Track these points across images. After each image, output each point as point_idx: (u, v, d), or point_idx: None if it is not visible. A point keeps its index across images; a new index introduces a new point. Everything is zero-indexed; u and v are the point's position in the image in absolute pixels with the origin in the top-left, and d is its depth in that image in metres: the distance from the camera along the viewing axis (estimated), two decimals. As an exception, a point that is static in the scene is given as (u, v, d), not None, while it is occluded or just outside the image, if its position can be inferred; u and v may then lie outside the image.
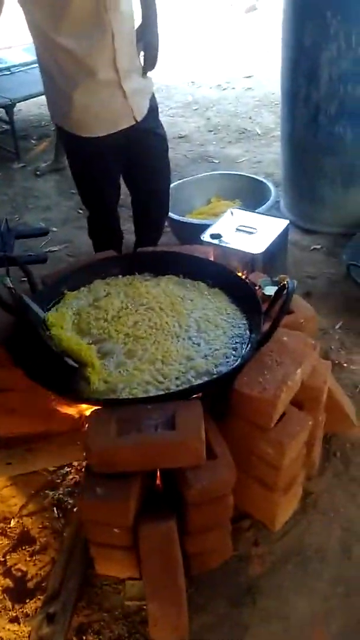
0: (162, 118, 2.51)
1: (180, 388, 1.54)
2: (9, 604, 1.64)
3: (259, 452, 1.56)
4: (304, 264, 3.00)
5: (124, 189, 2.61)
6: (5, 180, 4.24)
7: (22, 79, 4.60)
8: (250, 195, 3.22)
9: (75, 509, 1.81)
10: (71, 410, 1.74)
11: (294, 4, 2.82)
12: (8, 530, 1.82)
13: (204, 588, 1.63)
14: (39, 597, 1.64)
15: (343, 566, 1.68)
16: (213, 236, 2.49)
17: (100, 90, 2.13)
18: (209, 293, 1.91)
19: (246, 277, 1.96)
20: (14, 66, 4.76)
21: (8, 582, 1.69)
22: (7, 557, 1.75)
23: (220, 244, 2.45)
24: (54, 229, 3.53)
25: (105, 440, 1.40)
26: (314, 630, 1.55)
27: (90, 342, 1.70)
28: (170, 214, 2.86)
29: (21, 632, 1.57)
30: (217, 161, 4.29)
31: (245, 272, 2.11)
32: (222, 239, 2.47)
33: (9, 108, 4.32)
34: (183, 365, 1.61)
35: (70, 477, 1.94)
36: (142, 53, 2.27)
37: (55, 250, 3.34)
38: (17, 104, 4.42)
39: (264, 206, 2.92)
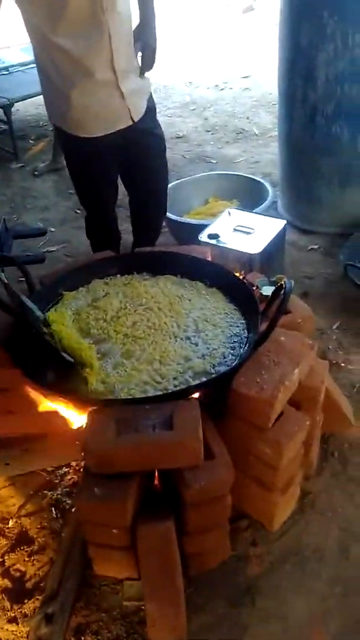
0: (160, 118, 2.51)
1: (178, 388, 1.54)
2: (7, 604, 1.64)
3: (256, 452, 1.56)
4: (302, 264, 3.01)
5: (121, 189, 2.61)
6: (4, 181, 4.23)
7: (20, 78, 4.60)
8: (248, 195, 3.22)
9: (73, 510, 1.81)
10: (69, 411, 1.74)
11: (290, 4, 2.82)
12: (6, 530, 1.82)
13: (202, 588, 1.63)
14: (37, 597, 1.64)
15: (341, 566, 1.68)
16: (211, 236, 2.50)
17: (97, 90, 2.13)
18: (206, 293, 1.91)
19: (244, 277, 1.96)
20: (12, 66, 4.76)
21: (6, 582, 1.69)
22: (6, 557, 1.75)
23: (218, 244, 2.45)
24: (52, 229, 3.53)
25: (104, 440, 1.40)
26: (313, 630, 1.56)
27: (91, 342, 1.71)
28: (168, 214, 2.86)
29: (19, 633, 1.57)
30: (214, 161, 4.29)
31: (242, 272, 2.11)
32: (219, 239, 2.48)
33: (6, 108, 4.32)
34: (181, 366, 1.61)
35: (69, 477, 1.94)
36: (139, 53, 2.27)
37: (53, 250, 3.34)
38: (15, 104, 4.41)
39: (261, 206, 2.93)
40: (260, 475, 1.61)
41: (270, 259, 2.46)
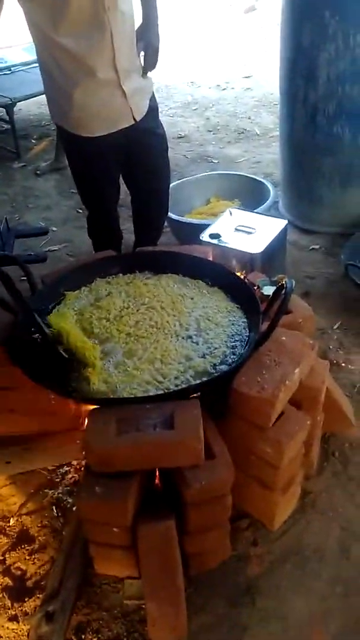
0: (162, 118, 2.52)
1: (179, 388, 1.54)
2: (8, 602, 1.64)
3: (257, 451, 1.56)
4: (303, 263, 3.01)
5: (123, 188, 2.62)
6: (6, 180, 4.24)
7: (22, 78, 4.61)
8: (249, 195, 3.22)
9: (74, 508, 1.82)
10: (70, 410, 1.75)
11: (292, 4, 2.83)
12: (7, 528, 1.83)
13: (202, 588, 1.63)
14: (38, 595, 1.64)
15: (341, 566, 1.68)
16: (212, 236, 2.50)
17: (99, 89, 2.13)
18: (208, 292, 1.91)
19: (245, 277, 1.96)
20: (14, 65, 4.77)
21: (7, 580, 1.70)
22: (7, 555, 1.76)
23: (219, 243, 2.45)
24: (54, 229, 3.53)
25: (105, 439, 1.40)
26: (313, 630, 1.56)
27: (94, 342, 1.71)
28: (170, 214, 2.86)
29: (20, 631, 1.58)
30: (216, 161, 4.30)
31: (244, 272, 2.12)
32: (221, 238, 2.48)
33: (9, 107, 4.33)
34: (182, 365, 1.61)
35: (70, 476, 1.94)
36: (142, 53, 2.27)
37: (55, 250, 3.34)
38: (18, 103, 4.42)
39: (262, 206, 2.93)
40: (261, 474, 1.61)
41: (272, 258, 2.46)
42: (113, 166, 2.44)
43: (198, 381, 1.56)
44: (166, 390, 1.54)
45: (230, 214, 2.65)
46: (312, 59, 2.79)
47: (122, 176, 2.56)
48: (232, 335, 1.73)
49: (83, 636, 1.55)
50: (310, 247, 3.14)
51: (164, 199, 2.69)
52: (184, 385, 1.55)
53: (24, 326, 1.70)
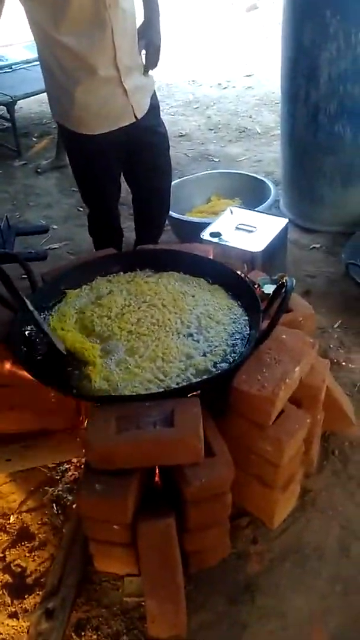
0: (163, 116, 2.51)
1: (180, 386, 1.54)
2: (8, 599, 1.65)
3: (257, 449, 1.57)
4: (303, 262, 3.01)
5: (124, 186, 2.62)
6: (6, 178, 4.24)
7: (23, 76, 4.61)
8: (250, 194, 3.22)
9: (74, 506, 1.82)
10: (70, 407, 1.75)
11: (293, 3, 2.83)
12: (7, 526, 1.83)
13: (202, 586, 1.63)
14: (38, 592, 1.64)
15: (341, 564, 1.68)
16: (213, 234, 2.50)
17: (101, 87, 2.13)
18: (209, 289, 1.91)
19: (245, 276, 1.97)
20: (15, 63, 4.77)
21: (7, 577, 1.70)
22: (7, 552, 1.76)
23: (220, 242, 2.45)
24: (55, 227, 3.53)
25: (105, 437, 1.40)
26: (312, 628, 1.56)
27: (94, 340, 1.71)
28: (170, 212, 2.86)
29: (20, 628, 1.58)
30: (217, 160, 4.30)
31: (244, 270, 2.12)
32: (221, 237, 2.48)
33: (10, 105, 4.33)
34: (183, 363, 1.61)
35: (70, 473, 1.94)
36: (143, 51, 2.27)
37: (55, 248, 3.34)
38: (18, 101, 4.42)
39: (263, 205, 2.93)
40: (261, 472, 1.62)
41: (272, 257, 2.47)
42: (114, 164, 2.44)
43: (199, 379, 1.56)
44: (167, 389, 1.54)
45: (231, 212, 2.66)
46: (313, 58, 2.79)
47: (124, 174, 2.56)
48: (233, 333, 1.73)
49: (83, 633, 1.55)
50: (311, 246, 3.14)
51: (166, 197, 2.69)
52: (184, 384, 1.55)
53: (23, 323, 1.71)
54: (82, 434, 1.52)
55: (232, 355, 1.64)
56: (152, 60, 2.30)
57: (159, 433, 1.41)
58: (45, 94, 2.41)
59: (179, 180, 3.38)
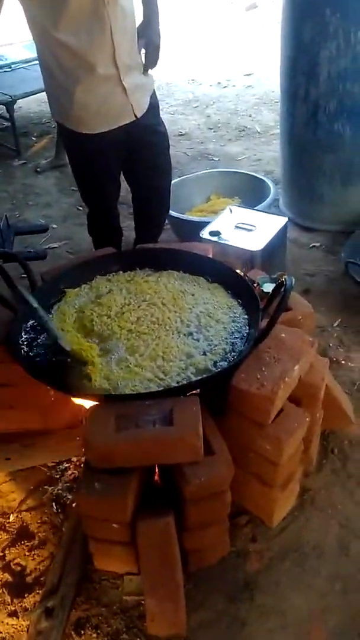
0: (162, 116, 2.51)
1: (180, 384, 1.54)
2: (7, 598, 1.65)
3: (256, 448, 1.57)
4: (303, 261, 3.01)
5: (124, 185, 2.62)
6: (6, 177, 4.24)
7: (22, 75, 4.61)
8: (250, 192, 3.22)
9: (74, 505, 1.82)
10: (70, 407, 1.75)
11: (293, 2, 2.82)
12: (7, 525, 1.83)
13: (201, 584, 1.64)
14: (37, 591, 1.65)
15: (340, 563, 1.68)
16: (212, 233, 2.50)
17: (100, 85, 2.13)
18: (209, 288, 1.91)
19: (245, 275, 1.97)
20: (15, 63, 4.77)
21: (7, 576, 1.70)
22: (6, 551, 1.76)
23: (219, 241, 2.45)
24: (54, 226, 3.54)
25: (104, 435, 1.41)
26: (312, 626, 1.56)
27: (94, 339, 1.71)
28: (170, 211, 2.86)
29: (20, 626, 1.58)
30: (216, 159, 4.30)
31: (244, 269, 2.12)
32: (221, 236, 2.48)
33: (9, 105, 4.33)
34: (183, 362, 1.61)
35: (69, 472, 1.95)
36: (143, 50, 2.27)
37: (55, 247, 3.34)
38: (18, 100, 4.42)
39: (263, 204, 2.93)
40: (260, 471, 1.62)
41: (272, 256, 2.47)
42: (114, 163, 2.44)
43: (199, 378, 1.56)
44: (167, 387, 1.54)
45: (231, 211, 2.66)
46: (312, 56, 2.79)
47: (123, 173, 2.56)
48: (233, 332, 1.73)
49: (82, 632, 1.55)
50: (311, 245, 3.14)
51: (165, 196, 2.69)
52: (184, 382, 1.55)
53: (23, 323, 1.71)
54: (82, 433, 1.52)
55: (232, 354, 1.64)
56: (151, 60, 2.30)
57: (159, 432, 1.41)
58: (44, 93, 2.41)
59: (178, 179, 3.38)
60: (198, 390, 1.57)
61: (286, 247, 2.72)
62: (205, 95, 5.48)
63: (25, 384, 1.62)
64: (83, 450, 1.60)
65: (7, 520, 1.84)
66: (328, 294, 2.76)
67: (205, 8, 7.82)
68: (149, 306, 1.82)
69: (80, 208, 3.59)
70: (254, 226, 2.52)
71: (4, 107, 4.39)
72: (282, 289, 1.57)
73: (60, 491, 1.89)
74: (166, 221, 2.91)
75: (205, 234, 2.51)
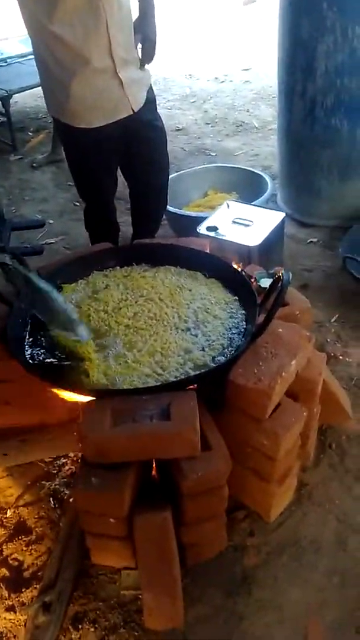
0: (160, 110, 2.51)
1: (178, 379, 1.54)
2: (5, 593, 1.65)
3: (254, 443, 1.57)
4: (301, 256, 3.01)
5: (121, 180, 2.61)
6: (2, 172, 4.22)
7: (18, 70, 4.59)
8: (247, 188, 3.22)
9: (71, 500, 1.82)
10: (67, 402, 1.75)
11: (291, -3, 2.82)
12: (4, 520, 1.83)
13: (199, 578, 1.64)
14: (35, 586, 1.65)
15: (338, 557, 1.69)
16: (209, 228, 2.50)
17: (96, 78, 2.12)
18: (206, 283, 1.91)
19: (242, 270, 1.96)
20: (10, 57, 4.75)
21: (4, 571, 1.70)
22: (4, 546, 1.76)
23: (217, 236, 2.45)
24: (51, 221, 3.52)
25: (101, 430, 1.40)
26: (309, 620, 1.56)
27: (92, 335, 1.70)
28: (167, 207, 2.85)
29: (17, 621, 1.58)
30: (214, 154, 4.29)
31: (241, 264, 2.11)
32: (218, 231, 2.48)
33: (5, 99, 4.31)
34: (181, 357, 1.61)
35: (67, 467, 1.94)
36: (139, 45, 2.26)
37: (51, 243, 3.33)
38: (14, 95, 4.40)
39: (260, 199, 2.93)
40: (258, 466, 1.62)
41: (269, 251, 2.47)
42: (111, 158, 2.43)
43: (197, 373, 1.56)
44: (164, 382, 1.54)
45: (228, 206, 2.65)
46: (310, 51, 2.78)
47: (121, 168, 2.56)
48: (230, 327, 1.73)
49: (80, 626, 1.56)
50: (308, 240, 3.13)
51: (163, 192, 2.69)
52: (182, 377, 1.55)
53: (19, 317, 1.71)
54: (79, 428, 1.52)
55: (230, 349, 1.64)
56: (148, 55, 2.29)
57: (155, 426, 1.41)
58: (40, 88, 2.40)
59: (175, 174, 3.37)
60: (195, 385, 1.56)
61: (284, 243, 2.72)
62: (203, 90, 5.46)
63: (22, 380, 1.62)
64: (80, 445, 1.59)
65: (5, 516, 1.84)
66: (325, 289, 2.76)
67: (202, 2, 7.79)
68: (146, 302, 1.81)
69: (77, 203, 3.58)
70: (252, 221, 2.52)
71: (0, 102, 4.37)
72: (279, 284, 1.57)
73: (57, 486, 1.89)
74: (163, 216, 2.90)
75: (202, 229, 2.51)
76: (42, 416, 1.80)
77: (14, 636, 1.56)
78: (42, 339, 1.71)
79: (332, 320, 2.55)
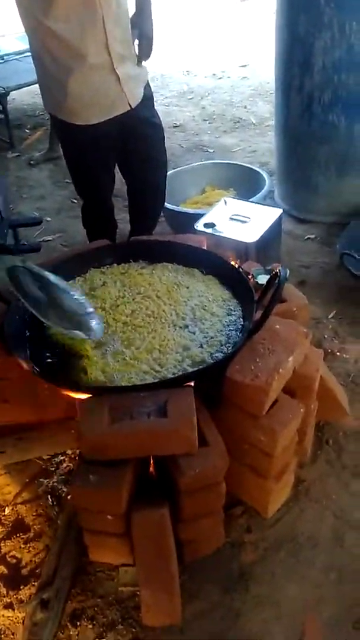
0: (157, 107, 2.50)
1: (175, 376, 1.54)
2: (3, 590, 1.65)
3: (251, 439, 1.57)
4: (298, 253, 3.01)
5: (118, 177, 2.61)
6: (-1, 170, 4.23)
7: (15, 67, 4.58)
8: (245, 184, 3.22)
9: (69, 497, 1.82)
10: (65, 399, 1.75)
11: (288, -8, 2.81)
12: (2, 517, 1.83)
13: (196, 575, 1.64)
14: (33, 583, 1.65)
15: (335, 554, 1.69)
16: (207, 225, 2.50)
17: (93, 74, 2.11)
18: (203, 280, 1.91)
19: (239, 266, 1.96)
20: (7, 54, 4.75)
21: (2, 568, 1.71)
22: (2, 544, 1.76)
23: (214, 233, 2.45)
24: (48, 219, 3.52)
25: (98, 427, 1.41)
26: (306, 616, 1.56)
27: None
28: (164, 203, 2.85)
29: (15, 618, 1.59)
30: (211, 150, 4.28)
31: (238, 261, 2.11)
32: (215, 228, 2.48)
33: (2, 97, 4.31)
34: (179, 354, 1.61)
35: (64, 465, 1.94)
36: (136, 42, 2.26)
37: (49, 240, 3.33)
38: (11, 92, 4.40)
39: (258, 195, 2.92)
40: (255, 462, 1.62)
41: (267, 248, 2.47)
42: (108, 155, 2.43)
43: (194, 369, 1.56)
44: (162, 379, 1.54)
45: (225, 203, 2.65)
46: (307, 47, 2.78)
47: (118, 165, 2.55)
48: (228, 324, 1.73)
49: (78, 623, 1.56)
50: (306, 237, 3.13)
51: (161, 188, 2.68)
52: (180, 374, 1.55)
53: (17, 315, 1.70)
54: (76, 425, 1.52)
55: (228, 345, 1.64)
56: (145, 51, 2.28)
57: (153, 423, 1.41)
58: (37, 85, 2.40)
59: (173, 171, 3.36)
60: (192, 382, 1.56)
61: (281, 239, 2.72)
62: (200, 86, 5.46)
63: (20, 378, 1.62)
64: (77, 442, 1.60)
65: (3, 513, 1.84)
66: (323, 285, 2.76)
67: (199, -1, 7.79)
68: (144, 299, 1.81)
69: (75, 200, 3.58)
70: (249, 218, 2.52)
71: (-3, 99, 4.37)
72: (277, 281, 1.57)
73: (55, 484, 1.89)
74: (161, 213, 2.89)
75: (199, 225, 2.51)
76: (40, 414, 1.81)
77: (12, 633, 1.56)
78: (40, 336, 1.71)
79: (330, 316, 2.55)
